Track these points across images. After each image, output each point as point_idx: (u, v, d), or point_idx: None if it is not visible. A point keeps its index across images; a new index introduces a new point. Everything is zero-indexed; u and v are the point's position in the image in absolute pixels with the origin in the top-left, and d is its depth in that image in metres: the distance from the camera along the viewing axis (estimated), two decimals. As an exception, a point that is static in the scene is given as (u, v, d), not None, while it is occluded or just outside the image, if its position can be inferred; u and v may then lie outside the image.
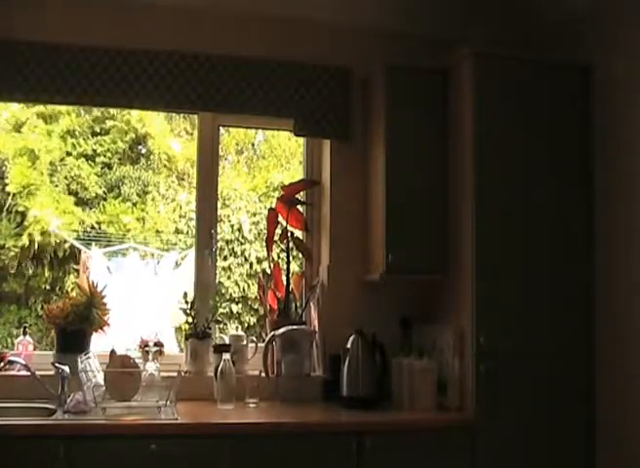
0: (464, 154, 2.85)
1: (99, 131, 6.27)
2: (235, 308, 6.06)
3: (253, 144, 6.76)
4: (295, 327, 3.05)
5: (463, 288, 2.81)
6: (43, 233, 5.81)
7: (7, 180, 5.89)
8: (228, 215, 6.22)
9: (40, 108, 6.01)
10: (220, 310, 3.24)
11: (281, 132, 4.96)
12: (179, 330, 5.17)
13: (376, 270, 3.02)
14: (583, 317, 2.87)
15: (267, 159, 6.68)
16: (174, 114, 6.16)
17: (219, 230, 4.00)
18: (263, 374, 2.96)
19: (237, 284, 6.15)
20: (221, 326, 3.58)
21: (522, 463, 2.73)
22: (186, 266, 5.43)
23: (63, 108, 6.03)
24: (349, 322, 3.00)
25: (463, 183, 2.85)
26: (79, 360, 2.67)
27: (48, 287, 5.96)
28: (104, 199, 6.22)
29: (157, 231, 6.20)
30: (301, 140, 3.46)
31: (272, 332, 3.05)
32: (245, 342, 3.12)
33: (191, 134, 6.41)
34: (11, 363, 2.82)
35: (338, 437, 2.56)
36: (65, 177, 6.06)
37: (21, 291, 5.90)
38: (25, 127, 6.02)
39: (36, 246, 5.81)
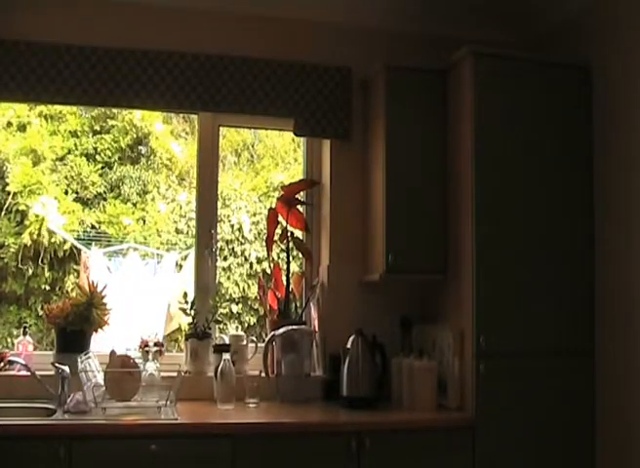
0: (464, 154, 2.85)
1: (99, 129, 6.27)
2: (235, 308, 6.05)
3: (251, 145, 6.76)
4: (295, 327, 3.05)
5: (463, 288, 2.81)
6: (43, 232, 5.81)
7: (7, 180, 5.88)
8: (228, 215, 6.22)
9: (42, 108, 6.01)
10: (220, 310, 3.24)
11: (274, 131, 4.97)
12: (178, 330, 5.18)
13: (376, 270, 3.02)
14: (584, 317, 2.87)
15: (264, 159, 6.68)
16: (173, 114, 6.16)
17: (219, 230, 3.99)
18: (263, 374, 2.96)
19: (237, 284, 6.14)
20: (221, 326, 3.58)
21: (522, 463, 2.73)
22: (187, 266, 5.43)
23: (66, 109, 6.04)
24: (349, 322, 3.00)
25: (463, 183, 2.85)
26: (79, 360, 2.67)
27: (48, 287, 5.95)
28: (104, 199, 6.21)
29: (157, 231, 6.20)
30: (296, 139, 3.46)
31: (272, 332, 3.05)
32: (245, 342, 3.12)
33: (192, 134, 6.42)
34: (11, 363, 2.82)
35: (338, 437, 2.56)
36: (66, 177, 6.06)
37: (21, 291, 5.89)
38: (28, 126, 6.02)
39: (37, 245, 5.81)
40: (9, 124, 6.02)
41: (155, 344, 2.94)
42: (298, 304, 3.35)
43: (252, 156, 6.75)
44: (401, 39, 3.29)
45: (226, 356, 2.83)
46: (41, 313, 5.21)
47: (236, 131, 6.35)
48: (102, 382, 2.62)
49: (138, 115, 6.24)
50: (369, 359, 2.88)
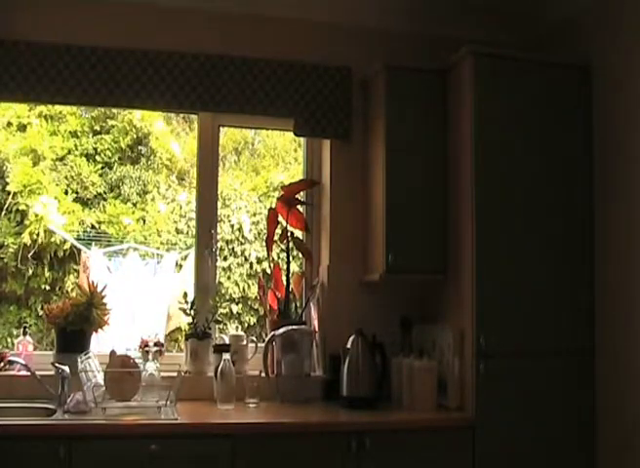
0: (464, 154, 2.85)
1: (99, 129, 6.28)
2: (235, 308, 6.05)
3: (251, 144, 6.77)
4: (295, 327, 3.05)
5: (463, 288, 2.81)
6: (44, 232, 5.81)
7: (7, 180, 5.89)
8: (228, 215, 6.22)
9: (42, 108, 6.02)
10: (220, 310, 3.24)
11: (275, 131, 4.97)
12: (178, 330, 5.18)
13: (376, 270, 3.02)
14: (583, 316, 2.87)
15: (265, 159, 6.69)
16: (173, 114, 6.17)
17: (219, 230, 4.00)
18: (263, 374, 2.96)
19: (237, 284, 6.15)
20: (221, 326, 3.58)
21: (522, 463, 2.73)
22: (187, 266, 5.43)
23: (67, 109, 6.04)
24: (349, 322, 3.00)
25: (463, 183, 2.85)
26: (79, 360, 2.66)
27: (48, 287, 5.95)
28: (104, 199, 6.22)
29: (157, 231, 6.21)
30: (296, 139, 3.46)
31: (272, 332, 3.05)
32: (245, 342, 3.12)
33: (191, 133, 6.42)
34: (11, 363, 2.82)
35: (338, 437, 2.56)
36: (66, 177, 6.07)
37: (21, 291, 5.89)
38: (28, 126, 6.03)
39: (37, 245, 5.82)
40: (9, 124, 6.02)
41: (155, 344, 2.94)
42: (298, 304, 3.35)
43: (252, 155, 6.76)
44: (401, 39, 3.29)
45: (226, 356, 2.83)
46: (41, 313, 5.21)
47: (237, 129, 6.35)
48: (102, 382, 2.62)
49: (137, 115, 6.25)
50: (369, 359, 2.88)
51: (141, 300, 5.22)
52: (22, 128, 6.07)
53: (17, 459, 2.29)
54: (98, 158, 6.27)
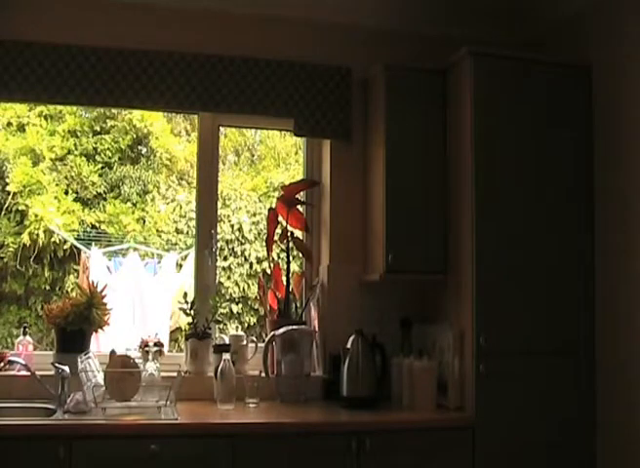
0: (464, 154, 2.85)
1: (99, 129, 6.28)
2: (235, 308, 6.06)
3: (252, 145, 6.78)
4: (295, 327, 3.04)
5: (463, 288, 2.81)
6: (43, 232, 5.81)
7: (7, 180, 5.89)
8: (228, 215, 6.22)
9: (42, 108, 6.02)
10: (220, 310, 3.24)
11: (275, 132, 4.97)
12: (178, 330, 5.18)
13: (376, 270, 3.02)
14: (583, 316, 2.87)
15: (265, 160, 6.70)
16: (173, 114, 6.18)
17: (219, 230, 4.00)
18: (263, 374, 2.96)
19: (237, 284, 6.15)
20: (221, 326, 3.58)
21: (522, 463, 2.73)
22: (187, 266, 5.43)
23: (67, 109, 6.05)
24: (349, 322, 3.00)
25: (463, 183, 2.85)
26: (79, 360, 2.66)
27: (48, 287, 5.96)
28: (104, 199, 6.22)
29: (157, 231, 6.21)
30: (297, 140, 3.46)
31: (272, 332, 3.05)
32: (245, 342, 3.12)
33: (191, 133, 6.43)
34: (11, 363, 2.82)
35: (338, 437, 2.56)
36: (66, 177, 6.07)
37: (21, 291, 5.90)
38: (28, 126, 6.03)
39: (37, 245, 5.82)
40: (9, 124, 6.03)
41: (155, 344, 2.94)
42: (298, 304, 3.35)
43: (252, 156, 6.76)
44: (401, 39, 3.29)
45: (226, 356, 2.83)
46: (41, 313, 5.22)
47: (238, 131, 6.36)
48: (102, 382, 2.62)
49: (138, 115, 6.25)
50: (369, 359, 2.88)
51: (142, 300, 5.23)
52: (22, 128, 6.08)
53: (17, 459, 2.29)
54: (98, 158, 6.27)
